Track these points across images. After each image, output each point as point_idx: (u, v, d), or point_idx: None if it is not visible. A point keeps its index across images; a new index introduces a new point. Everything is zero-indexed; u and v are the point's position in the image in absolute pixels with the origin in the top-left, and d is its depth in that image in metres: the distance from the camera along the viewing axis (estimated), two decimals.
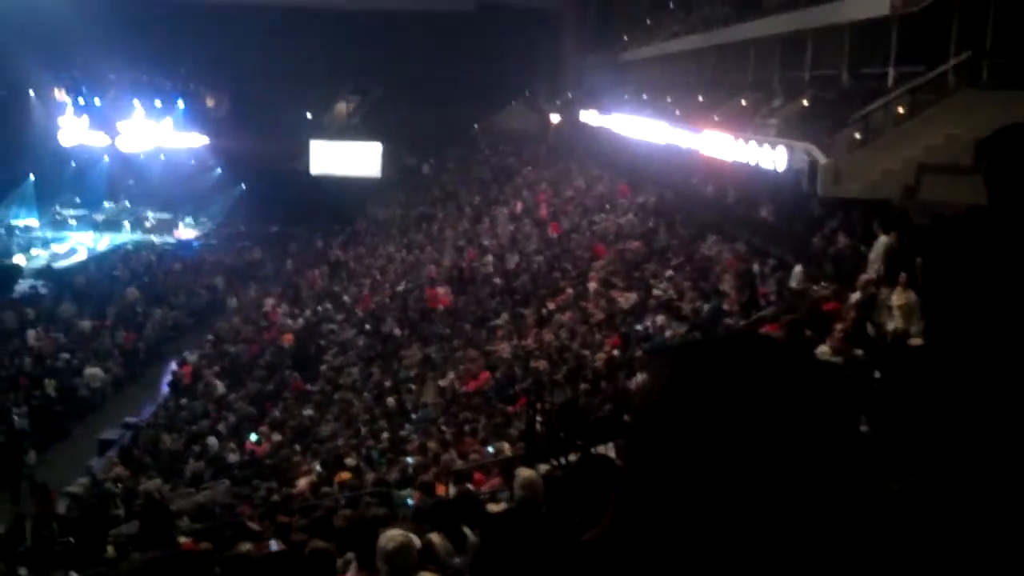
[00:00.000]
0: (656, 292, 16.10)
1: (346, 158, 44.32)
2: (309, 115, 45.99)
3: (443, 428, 14.97)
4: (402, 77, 42.28)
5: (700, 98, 25.24)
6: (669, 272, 17.00)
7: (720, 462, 0.93)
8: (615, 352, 14.46)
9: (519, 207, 28.97)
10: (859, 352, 9.61)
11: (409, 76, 42.14)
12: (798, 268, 13.61)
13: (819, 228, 14.84)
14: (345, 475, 13.56)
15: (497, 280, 22.08)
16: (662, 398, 1.00)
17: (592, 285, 18.47)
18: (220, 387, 21.11)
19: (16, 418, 19.83)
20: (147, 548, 10.79)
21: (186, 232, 41.85)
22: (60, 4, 39.80)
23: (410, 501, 10.81)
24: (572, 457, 11.01)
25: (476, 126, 44.42)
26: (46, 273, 33.95)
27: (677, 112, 24.40)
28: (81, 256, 37.74)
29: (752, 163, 16.04)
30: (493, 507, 8.53)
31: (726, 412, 0.95)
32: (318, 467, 14.62)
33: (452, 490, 10.59)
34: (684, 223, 20.03)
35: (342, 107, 46.82)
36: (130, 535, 12.19)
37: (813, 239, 14.70)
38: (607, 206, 24.75)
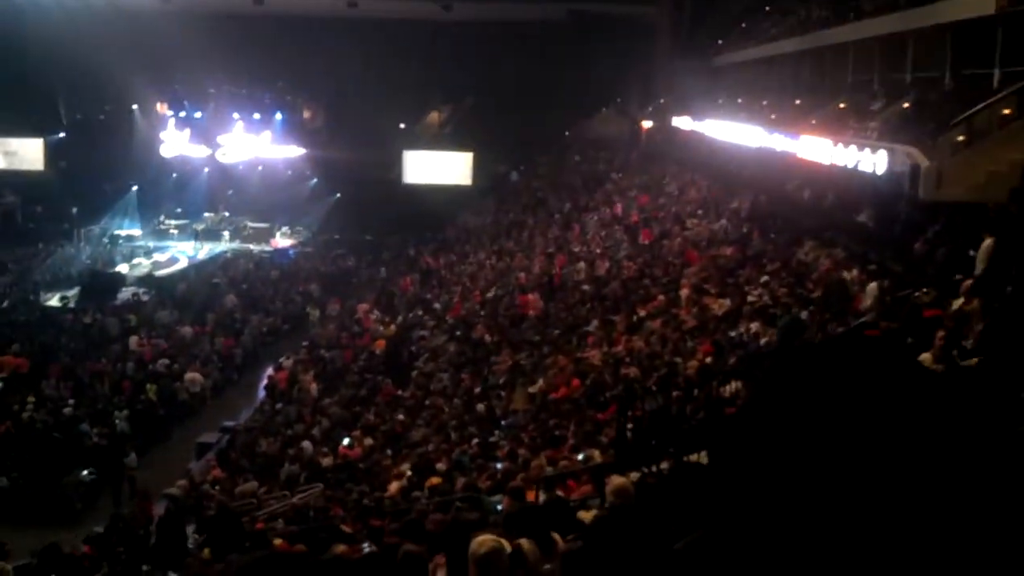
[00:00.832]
0: (751, 298, 15.79)
1: (438, 167, 44.80)
2: (402, 125, 46.54)
3: (533, 434, 14.92)
4: (493, 86, 42.48)
5: (797, 101, 24.76)
6: (765, 278, 16.66)
7: (811, 463, 0.88)
8: (708, 359, 14.21)
9: (611, 213, 28.80)
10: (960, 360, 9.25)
11: (500, 85, 42.32)
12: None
13: (921, 233, 14.38)
14: (435, 480, 13.62)
15: (587, 287, 21.95)
16: (755, 401, 0.95)
17: (684, 292, 18.21)
18: (315, 392, 21.43)
19: (118, 421, 20.47)
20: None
21: (283, 241, 42.75)
22: (162, 22, 41.07)
23: (500, 507, 10.78)
24: (664, 465, 10.86)
25: (567, 133, 44.37)
26: (148, 281, 35.02)
27: (773, 116, 23.98)
28: (182, 264, 38.77)
29: (851, 167, 15.63)
30: (584, 514, 8.45)
31: (818, 415, 0.90)
32: (409, 471, 14.71)
33: (542, 496, 10.53)
34: (780, 228, 19.62)
35: (434, 117, 47.29)
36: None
37: (915, 244, 14.25)
38: (700, 212, 24.42)
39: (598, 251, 24.92)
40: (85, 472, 18.21)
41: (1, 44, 42.12)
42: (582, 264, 23.89)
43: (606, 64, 40.11)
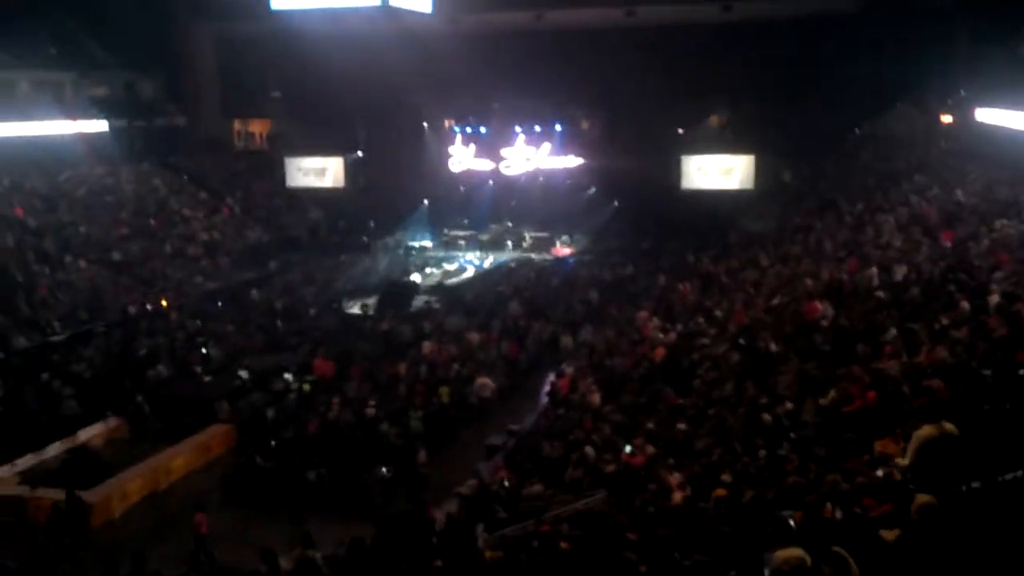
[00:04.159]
0: None
1: (718, 172, 44.03)
2: (680, 131, 46.12)
3: (825, 448, 14.19)
4: (776, 85, 41.14)
5: None
6: None
7: None
8: (1023, 371, 12.93)
9: (908, 214, 27.03)
10: None
11: (783, 84, 40.93)
12: None
13: None
14: (721, 491, 13.25)
15: (882, 293, 20.68)
16: None
17: (993, 298, 16.73)
18: (596, 398, 21.53)
19: (413, 422, 21.54)
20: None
21: (562, 249, 43.57)
22: (449, 43, 43.13)
23: (792, 522, 10.33)
24: (975, 484, 10.01)
25: (857, 131, 42.19)
26: (439, 290, 36.81)
27: None
28: (469, 274, 40.46)
29: None
30: (886, 533, 7.92)
31: None
32: (692, 482, 14.41)
33: (838, 513, 9.98)
34: None
35: (714, 120, 46.47)
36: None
37: None
38: (1010, 211, 22.40)
39: (894, 255, 23.44)
40: (384, 469, 19.24)
41: (308, 74, 46.00)
42: (876, 269, 22.56)
43: (899, 56, 37.71)
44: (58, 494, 19.00)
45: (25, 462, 20.98)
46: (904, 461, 8.69)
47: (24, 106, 44.30)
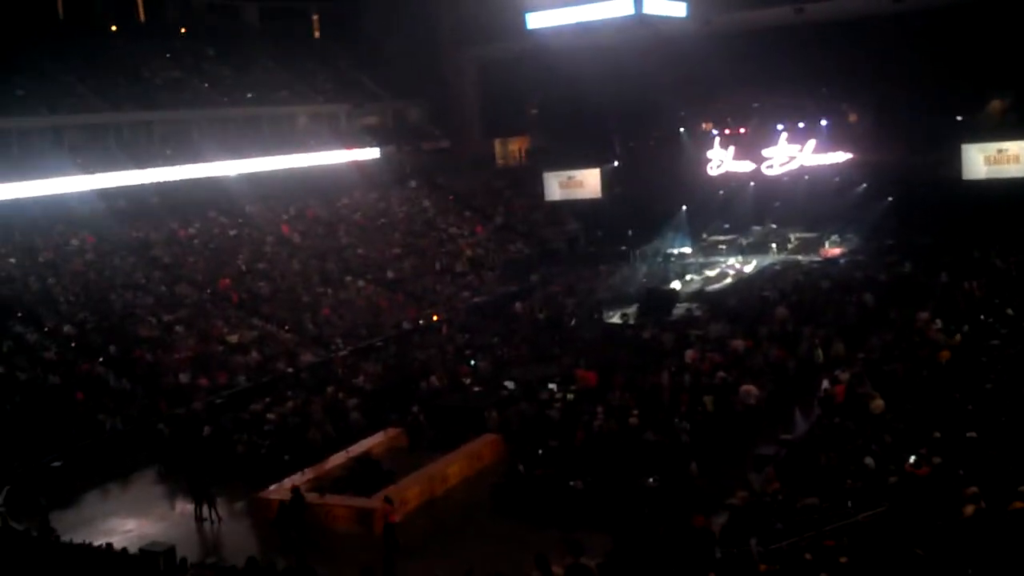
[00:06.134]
0: None
1: (1004, 159, 40.58)
2: (959, 118, 42.86)
3: None
4: None
5: None
6: None
7: None
8: None
9: None
10: None
11: None
12: None
13: None
14: (1018, 504, 12.06)
15: None
16: None
17: None
18: (879, 405, 20.26)
19: (678, 431, 21.15)
20: None
21: (832, 250, 41.64)
22: (704, 44, 42.48)
23: None
24: None
25: None
26: (700, 296, 36.14)
27: None
28: (730, 279, 39.49)
29: None
30: None
31: None
32: (985, 494, 13.19)
33: None
34: None
35: (995, 105, 42.82)
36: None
37: None
38: None
39: None
40: (651, 479, 18.98)
41: (563, 88, 46.89)
42: None
43: None
44: (346, 500, 20.25)
45: (314, 470, 22.37)
46: None
47: (304, 138, 47.90)
